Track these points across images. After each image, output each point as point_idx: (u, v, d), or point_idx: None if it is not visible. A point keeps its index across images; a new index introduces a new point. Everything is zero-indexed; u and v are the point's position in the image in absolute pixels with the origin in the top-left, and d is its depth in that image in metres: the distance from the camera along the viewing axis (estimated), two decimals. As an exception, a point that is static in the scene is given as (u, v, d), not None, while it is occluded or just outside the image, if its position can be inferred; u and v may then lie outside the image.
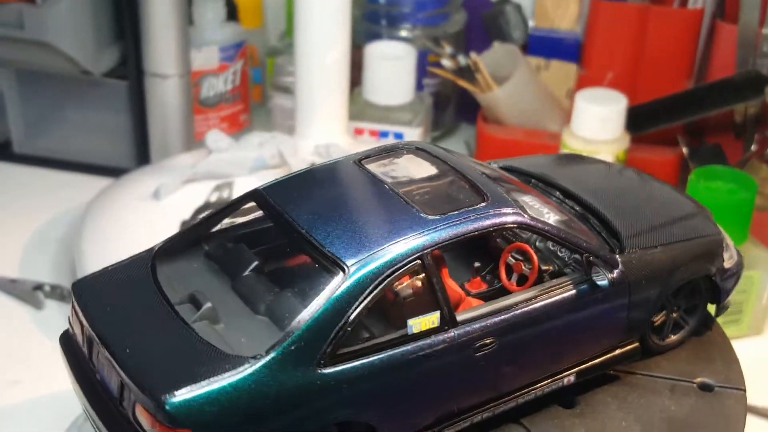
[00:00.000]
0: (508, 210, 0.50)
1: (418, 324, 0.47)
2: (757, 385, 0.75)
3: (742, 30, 0.90)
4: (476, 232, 0.49)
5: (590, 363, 0.53)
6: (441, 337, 0.48)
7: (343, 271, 0.47)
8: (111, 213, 0.81)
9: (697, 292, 0.57)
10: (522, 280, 0.53)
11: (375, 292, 0.47)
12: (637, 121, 0.92)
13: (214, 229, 0.54)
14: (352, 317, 0.46)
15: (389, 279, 0.47)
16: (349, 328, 0.46)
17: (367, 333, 0.47)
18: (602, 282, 0.51)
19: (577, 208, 0.56)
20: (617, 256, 0.53)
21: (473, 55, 0.97)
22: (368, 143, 0.94)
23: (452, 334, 0.48)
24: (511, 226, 0.51)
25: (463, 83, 0.97)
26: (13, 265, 0.85)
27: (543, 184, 0.59)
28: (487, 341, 0.49)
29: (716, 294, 0.57)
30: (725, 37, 0.92)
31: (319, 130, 0.87)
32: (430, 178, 0.53)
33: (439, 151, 0.55)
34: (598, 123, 0.85)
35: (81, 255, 0.78)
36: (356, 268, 0.47)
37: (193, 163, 0.82)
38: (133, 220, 0.79)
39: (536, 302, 0.50)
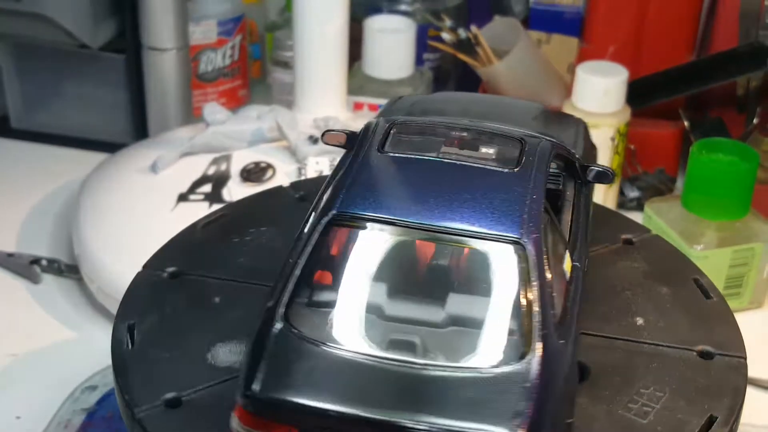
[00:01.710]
0: (545, 140, 0.50)
1: (567, 268, 0.47)
2: (758, 358, 0.75)
3: (745, 1, 0.89)
4: (551, 169, 0.48)
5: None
6: (576, 272, 0.47)
7: (520, 244, 0.44)
8: (108, 186, 0.80)
9: None
10: None
11: (546, 250, 0.45)
12: (639, 94, 0.91)
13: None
14: (550, 282, 0.44)
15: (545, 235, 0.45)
16: (554, 294, 0.44)
17: None
18: (596, 173, 0.51)
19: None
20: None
21: (473, 28, 0.96)
22: (368, 117, 0.93)
23: (578, 264, 0.48)
24: (559, 152, 0.50)
25: (464, 57, 0.97)
26: (10, 240, 0.85)
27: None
28: (585, 259, 0.49)
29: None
30: (727, 8, 0.91)
31: (318, 104, 0.86)
32: (457, 141, 0.50)
33: (419, 120, 0.52)
34: (599, 96, 0.84)
35: (78, 228, 0.78)
36: (526, 237, 0.44)
37: (191, 137, 0.81)
38: (130, 194, 0.79)
39: (577, 213, 0.50)
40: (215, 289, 0.52)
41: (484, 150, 0.48)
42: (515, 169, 0.47)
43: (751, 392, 0.71)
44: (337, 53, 0.85)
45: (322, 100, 0.86)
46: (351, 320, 0.43)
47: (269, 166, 0.79)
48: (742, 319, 0.78)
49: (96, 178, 0.82)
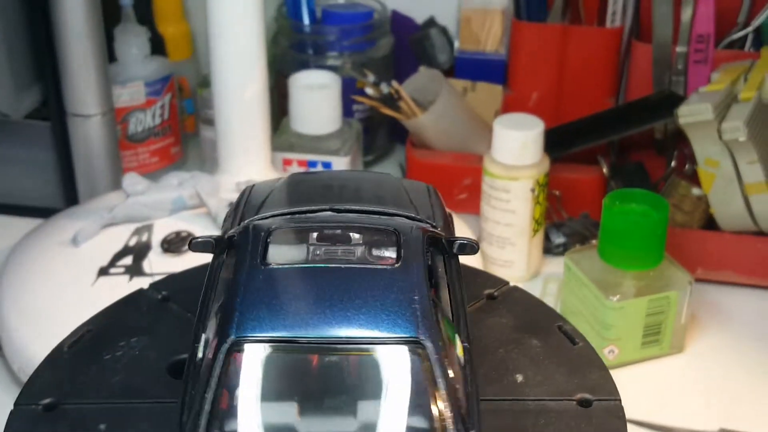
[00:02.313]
0: (416, 225, 0.50)
1: (460, 352, 0.47)
2: (679, 403, 0.76)
3: (657, 48, 0.91)
4: (429, 259, 0.49)
5: None
6: (468, 354, 0.48)
7: (419, 343, 0.44)
8: (29, 260, 0.80)
9: None
10: None
11: (442, 344, 0.45)
12: (560, 141, 0.93)
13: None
14: (452, 375, 0.45)
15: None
16: (457, 386, 0.45)
17: None
18: (460, 246, 0.51)
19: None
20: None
21: (394, 83, 0.97)
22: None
23: (467, 345, 0.48)
24: (429, 234, 0.50)
25: (387, 111, 0.98)
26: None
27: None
28: (470, 334, 0.50)
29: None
30: (641, 55, 0.93)
31: (242, 166, 0.87)
32: (335, 241, 0.50)
33: (293, 224, 0.52)
34: (516, 149, 0.85)
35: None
36: (423, 334, 0.44)
37: (112, 207, 0.82)
38: (50, 268, 0.79)
39: (453, 289, 0.51)
40: (97, 415, 0.49)
41: (363, 248, 0.49)
42: (396, 265, 0.47)
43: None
44: (257, 115, 0.86)
45: (246, 163, 0.87)
46: None
47: (190, 235, 0.79)
48: (663, 365, 0.80)
49: (19, 251, 0.82)
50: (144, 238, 0.79)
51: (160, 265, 0.77)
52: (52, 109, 0.94)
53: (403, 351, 0.44)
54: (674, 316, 0.78)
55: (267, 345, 0.44)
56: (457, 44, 1.05)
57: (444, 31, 1.06)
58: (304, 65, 1.04)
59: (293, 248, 0.49)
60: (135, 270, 0.76)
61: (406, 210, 0.52)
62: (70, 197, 0.98)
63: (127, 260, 0.77)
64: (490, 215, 0.89)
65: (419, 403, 0.44)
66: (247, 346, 0.44)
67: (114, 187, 0.94)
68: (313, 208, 0.52)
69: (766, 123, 0.82)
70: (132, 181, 0.80)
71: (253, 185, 0.56)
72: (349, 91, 1.03)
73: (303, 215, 0.52)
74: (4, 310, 0.77)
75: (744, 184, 0.81)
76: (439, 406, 0.44)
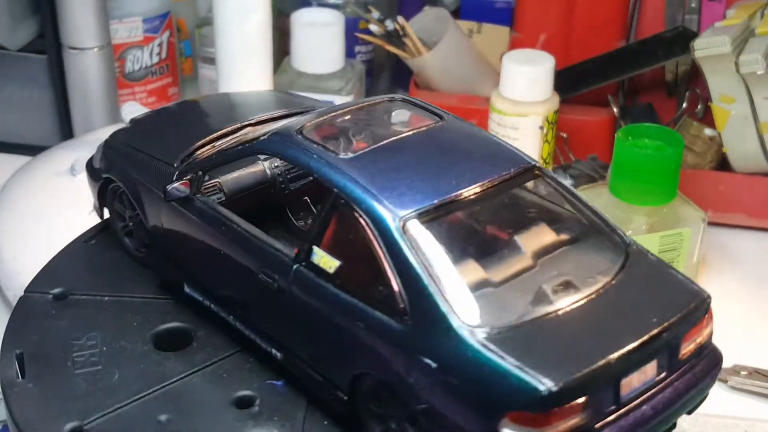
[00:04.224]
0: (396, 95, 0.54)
1: None
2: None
3: (671, -14, 0.89)
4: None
5: None
6: None
7: (538, 168, 0.49)
8: (26, 191, 0.78)
9: None
10: None
11: None
12: (569, 82, 0.91)
13: None
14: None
15: None
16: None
17: None
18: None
19: None
20: None
21: (400, 19, 0.95)
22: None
23: None
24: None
25: (392, 48, 0.96)
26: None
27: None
28: None
29: None
30: (654, -6, 0.91)
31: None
32: (366, 121, 0.52)
33: (310, 120, 0.51)
34: (526, 84, 0.83)
35: (-6, 234, 0.76)
36: (533, 161, 0.49)
37: (111, 137, 0.79)
38: (47, 198, 0.77)
39: None
40: (141, 414, 0.45)
41: (397, 118, 0.50)
42: (444, 120, 0.50)
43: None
44: (259, 51, 0.84)
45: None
46: (504, 294, 0.44)
47: (191, 165, 0.77)
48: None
49: (14, 182, 0.80)
50: (143, 168, 0.77)
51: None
52: (49, 41, 0.91)
53: (532, 177, 0.47)
54: (686, 254, 0.76)
55: (427, 213, 0.44)
56: (463, -15, 1.03)
57: (450, -29, 1.04)
58: (306, 3, 1.02)
59: (350, 138, 0.49)
60: (134, 199, 0.74)
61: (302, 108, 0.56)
62: (66, 134, 0.95)
63: (126, 189, 0.75)
64: (497, 154, 0.87)
65: (567, 216, 0.47)
66: (411, 222, 0.44)
67: (110, 123, 0.92)
68: (232, 128, 0.55)
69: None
70: (131, 109, 0.78)
71: (119, 131, 0.61)
72: (353, 31, 1.00)
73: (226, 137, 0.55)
74: (0, 239, 0.74)
75: (759, 122, 0.79)
76: (595, 212, 0.48)
